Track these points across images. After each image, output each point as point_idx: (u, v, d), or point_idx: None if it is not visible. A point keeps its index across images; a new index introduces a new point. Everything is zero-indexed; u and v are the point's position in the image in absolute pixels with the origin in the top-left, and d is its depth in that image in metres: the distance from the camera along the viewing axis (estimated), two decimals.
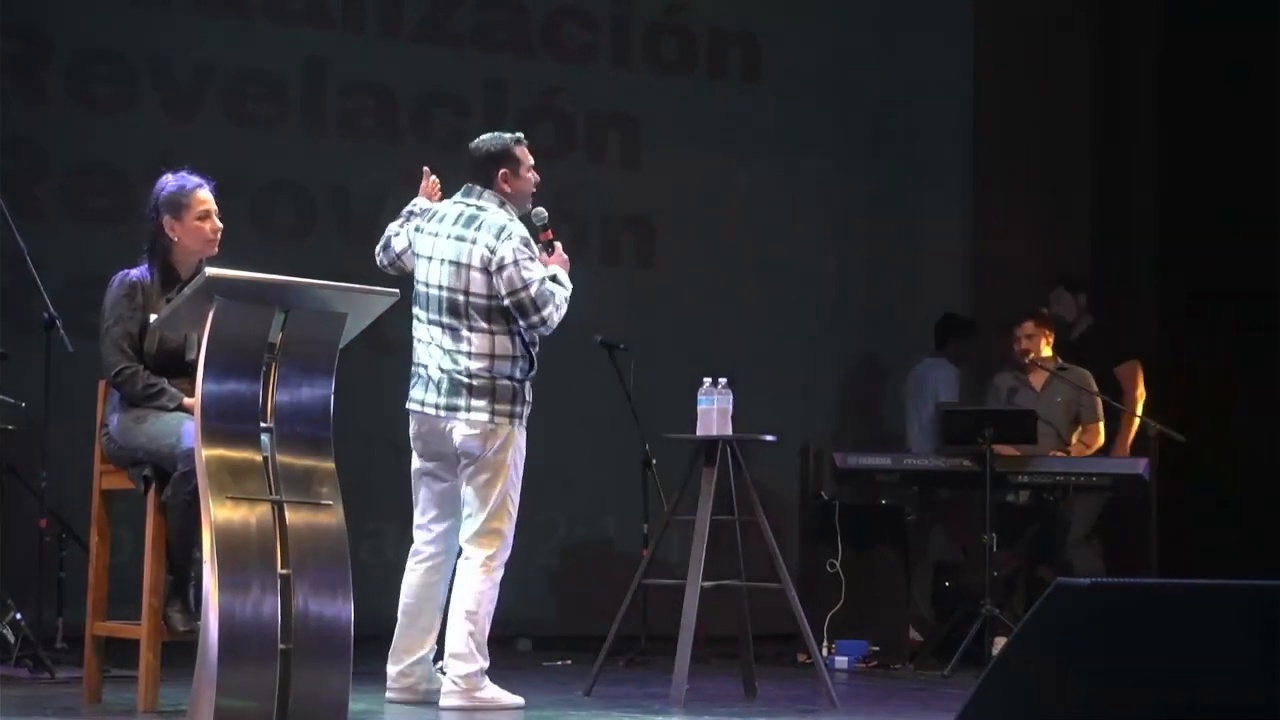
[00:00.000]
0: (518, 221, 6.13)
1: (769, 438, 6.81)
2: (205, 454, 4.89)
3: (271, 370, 5.02)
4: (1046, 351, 8.67)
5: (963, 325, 9.55)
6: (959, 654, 7.61)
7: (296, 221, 9.01)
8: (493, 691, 6.08)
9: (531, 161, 6.25)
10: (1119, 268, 10.59)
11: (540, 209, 6.30)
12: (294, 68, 9.06)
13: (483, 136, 6.28)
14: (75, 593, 6.58)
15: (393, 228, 6.33)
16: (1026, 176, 10.56)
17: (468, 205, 6.18)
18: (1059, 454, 8.47)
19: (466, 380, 6.04)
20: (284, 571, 4.86)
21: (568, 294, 6.15)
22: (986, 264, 10.39)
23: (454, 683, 6.02)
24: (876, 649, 8.17)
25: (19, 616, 6.81)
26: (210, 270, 5.04)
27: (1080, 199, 10.70)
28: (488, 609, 6.07)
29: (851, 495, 8.63)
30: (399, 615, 6.21)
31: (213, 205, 5.84)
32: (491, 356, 6.05)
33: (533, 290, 6.01)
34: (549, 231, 6.29)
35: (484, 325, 6.05)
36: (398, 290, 5.37)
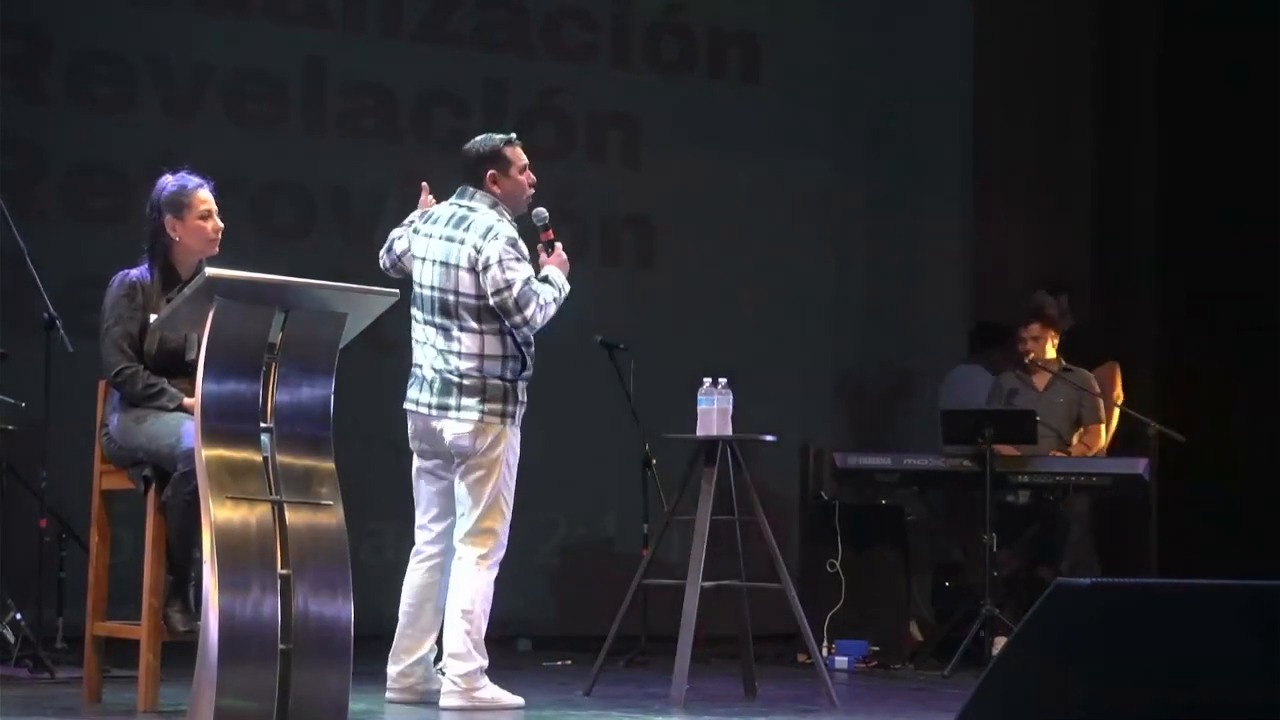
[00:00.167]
0: (506, 222, 6.14)
1: (769, 438, 6.81)
2: (205, 454, 4.89)
3: (271, 370, 5.02)
4: (1051, 353, 8.68)
5: (996, 331, 9.53)
6: (959, 654, 7.61)
7: (296, 221, 9.01)
8: (492, 691, 6.09)
9: (525, 162, 6.25)
10: (1119, 268, 10.59)
11: (540, 209, 6.31)
12: (294, 68, 9.06)
13: (476, 138, 6.30)
14: (75, 593, 6.58)
15: (396, 232, 6.36)
16: (1026, 176, 10.56)
17: (460, 206, 6.20)
18: (1059, 454, 8.47)
19: (457, 380, 6.06)
20: (284, 572, 4.86)
21: (558, 294, 6.15)
22: (986, 264, 10.38)
23: (454, 682, 6.02)
24: (876, 649, 8.17)
25: (19, 616, 6.81)
26: (210, 270, 5.04)
27: (1080, 199, 10.69)
28: (484, 607, 6.07)
29: (851, 495, 8.63)
30: (400, 615, 6.22)
31: (213, 205, 5.86)
32: (481, 356, 6.07)
33: (515, 290, 6.02)
34: (549, 232, 6.30)
35: (474, 325, 6.07)
36: (397, 290, 5.38)
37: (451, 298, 6.09)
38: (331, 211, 9.09)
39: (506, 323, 6.06)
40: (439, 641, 6.14)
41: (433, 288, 6.12)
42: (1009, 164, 10.49)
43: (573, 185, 9.11)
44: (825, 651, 7.87)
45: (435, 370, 6.10)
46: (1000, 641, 7.59)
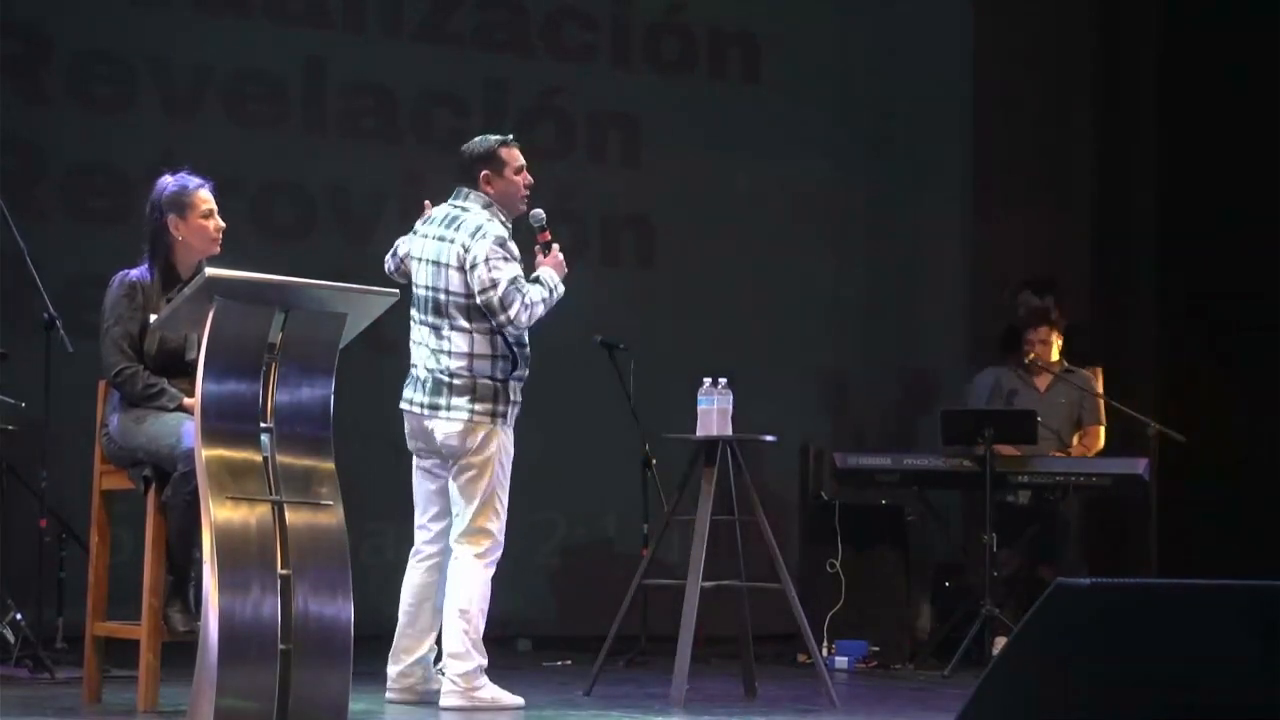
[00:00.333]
0: (497, 222, 6.15)
1: (769, 438, 6.81)
2: (205, 454, 4.89)
3: (271, 370, 5.02)
4: (1055, 354, 8.67)
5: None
6: (959, 654, 7.61)
7: (296, 221, 9.01)
8: (492, 691, 6.09)
9: (520, 163, 6.25)
10: (1119, 267, 10.58)
11: (538, 210, 6.31)
12: (294, 68, 9.06)
13: (473, 139, 6.31)
14: (75, 593, 6.58)
15: (401, 238, 6.38)
16: (1026, 176, 10.55)
17: (454, 207, 6.23)
18: (1059, 455, 8.46)
19: (447, 379, 6.07)
20: (284, 572, 4.86)
21: (548, 295, 6.14)
22: (986, 264, 10.38)
23: (453, 682, 6.02)
24: (876, 649, 8.17)
25: (19, 616, 6.81)
26: (210, 270, 5.04)
27: (1080, 199, 10.69)
28: (481, 606, 6.07)
29: (851, 495, 8.62)
30: (399, 615, 6.22)
31: (214, 205, 5.86)
32: (470, 355, 6.07)
33: (500, 289, 6.02)
34: (546, 233, 6.29)
35: (464, 324, 6.08)
36: (397, 291, 5.39)
37: (442, 296, 6.10)
38: (331, 211, 9.09)
39: (492, 321, 6.07)
40: (439, 641, 6.14)
41: (426, 287, 6.14)
42: (1009, 164, 10.48)
43: (573, 185, 9.11)
44: (825, 651, 7.87)
45: (428, 370, 6.12)
46: (1000, 641, 7.60)
